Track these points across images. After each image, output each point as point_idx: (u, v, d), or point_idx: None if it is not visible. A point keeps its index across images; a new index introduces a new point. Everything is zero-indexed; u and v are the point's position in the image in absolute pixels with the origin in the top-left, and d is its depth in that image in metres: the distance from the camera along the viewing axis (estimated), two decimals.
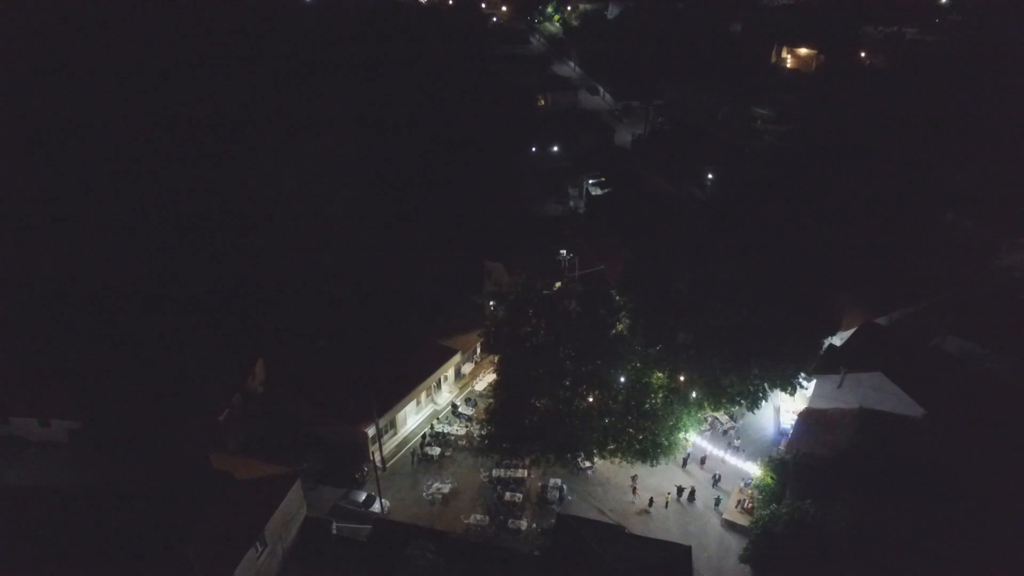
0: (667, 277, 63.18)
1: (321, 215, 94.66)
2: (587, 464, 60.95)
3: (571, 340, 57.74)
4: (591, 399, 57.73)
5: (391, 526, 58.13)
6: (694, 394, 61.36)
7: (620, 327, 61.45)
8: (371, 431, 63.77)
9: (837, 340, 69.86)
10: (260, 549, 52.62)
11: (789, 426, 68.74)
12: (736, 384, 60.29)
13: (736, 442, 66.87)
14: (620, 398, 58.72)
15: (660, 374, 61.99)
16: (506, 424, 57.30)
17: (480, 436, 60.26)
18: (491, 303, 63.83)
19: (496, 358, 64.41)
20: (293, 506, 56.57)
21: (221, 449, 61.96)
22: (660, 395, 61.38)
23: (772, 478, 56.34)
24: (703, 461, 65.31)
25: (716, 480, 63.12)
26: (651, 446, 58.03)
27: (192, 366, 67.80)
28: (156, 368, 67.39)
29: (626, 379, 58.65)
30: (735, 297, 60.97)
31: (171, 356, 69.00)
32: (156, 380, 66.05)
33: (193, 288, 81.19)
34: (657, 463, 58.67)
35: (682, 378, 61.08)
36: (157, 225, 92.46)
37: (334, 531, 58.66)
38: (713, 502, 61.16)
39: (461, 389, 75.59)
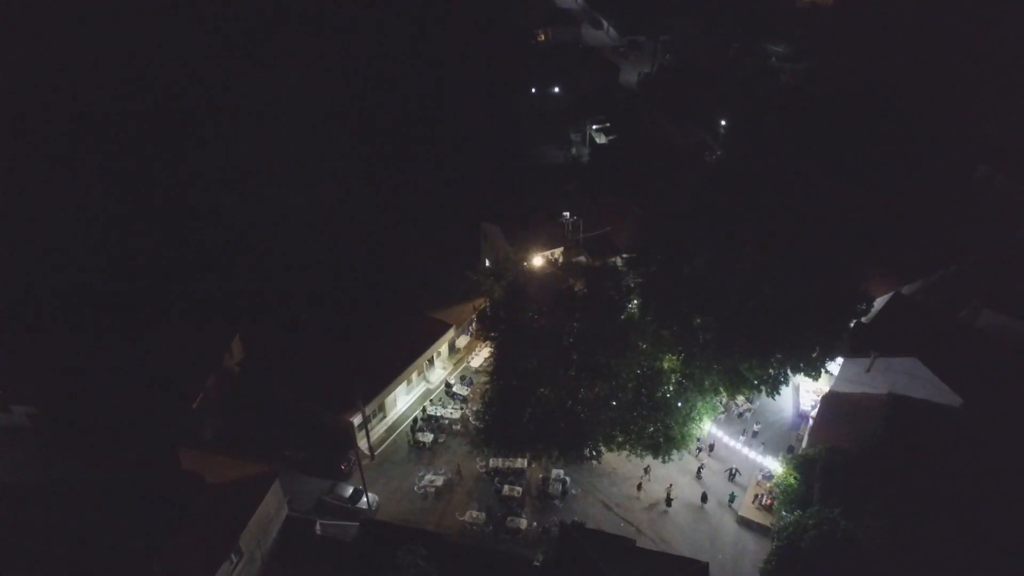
0: (681, 253, 56.88)
1: (299, 173, 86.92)
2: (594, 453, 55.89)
3: (576, 327, 51.90)
4: (598, 390, 52.17)
5: (379, 527, 53.71)
6: (708, 381, 55.87)
7: (631, 308, 55.44)
8: (357, 420, 58.67)
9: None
10: (236, 560, 48.16)
11: (809, 407, 64.02)
12: (756, 369, 54.84)
13: (756, 427, 62.07)
14: (631, 385, 53.22)
15: (672, 357, 56.40)
16: (503, 416, 51.97)
17: (476, 429, 55.15)
18: (489, 278, 57.48)
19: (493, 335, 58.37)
20: (272, 508, 51.94)
21: (195, 439, 57.16)
22: (673, 381, 56.03)
23: (795, 478, 51.46)
24: (711, 448, 60.66)
25: (732, 475, 58.46)
26: (663, 439, 52.96)
27: (162, 344, 62.23)
28: (122, 347, 61.76)
29: (636, 366, 52.99)
30: (756, 274, 54.88)
31: (139, 333, 63.30)
32: (122, 360, 60.52)
33: (161, 258, 74.56)
34: (669, 458, 53.74)
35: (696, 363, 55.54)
36: (118, 188, 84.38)
37: (318, 531, 54.21)
38: (727, 499, 56.68)
39: (455, 365, 70.25)
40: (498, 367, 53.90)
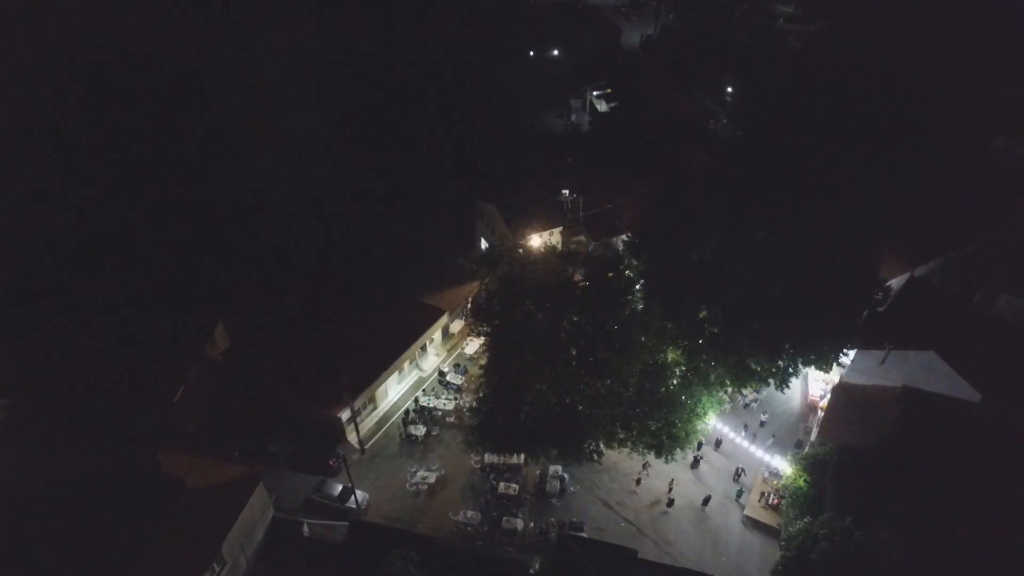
0: (688, 239, 53.53)
1: (285, 146, 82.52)
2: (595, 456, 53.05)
3: (576, 320, 48.74)
4: (598, 385, 49.22)
5: (369, 528, 51.51)
6: (714, 375, 52.95)
7: (634, 300, 52.08)
8: (346, 415, 56.12)
9: None
10: (218, 569, 45.88)
11: (819, 395, 61.50)
12: (764, 362, 51.88)
13: (763, 416, 59.58)
14: (632, 380, 50.12)
15: (676, 351, 53.37)
16: (498, 416, 49.20)
17: (469, 428, 52.30)
18: (483, 267, 53.98)
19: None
20: (256, 511, 49.50)
21: (176, 436, 54.68)
22: (677, 374, 53.12)
23: (805, 481, 48.95)
24: (718, 444, 58.24)
25: (738, 474, 56.10)
26: (666, 437, 50.26)
27: (140, 332, 58.94)
28: (96, 337, 58.47)
29: (639, 362, 49.87)
30: (768, 263, 51.60)
31: (114, 320, 59.97)
32: (96, 352, 57.33)
33: (139, 238, 70.78)
34: (672, 458, 51.13)
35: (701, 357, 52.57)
36: (92, 160, 79.87)
37: (305, 532, 51.94)
38: (735, 494, 54.46)
39: (449, 352, 67.43)
40: (492, 362, 50.88)
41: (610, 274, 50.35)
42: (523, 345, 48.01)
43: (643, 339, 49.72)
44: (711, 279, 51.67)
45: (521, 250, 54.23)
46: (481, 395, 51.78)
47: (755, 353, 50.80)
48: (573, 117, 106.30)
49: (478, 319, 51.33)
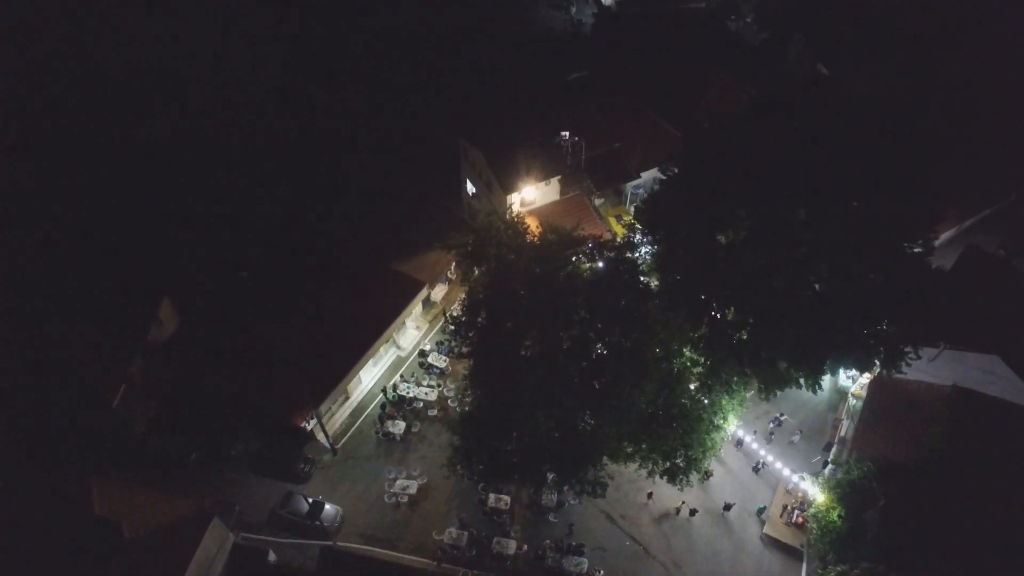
0: (715, 215, 43.94)
1: (228, 74, 70.11)
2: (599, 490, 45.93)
3: (578, 338, 40.32)
4: (605, 412, 41.61)
5: (342, 557, 45.68)
6: (738, 378, 45.22)
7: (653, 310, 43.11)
8: (311, 423, 49.02)
9: None
10: None
11: (850, 383, 54.38)
12: (799, 368, 43.95)
13: (781, 416, 52.61)
14: (644, 396, 42.31)
15: (692, 351, 45.26)
16: (484, 439, 42.00)
17: (452, 448, 44.94)
18: (468, 259, 44.68)
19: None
20: (212, 549, 43.33)
21: (118, 452, 48.07)
22: (694, 376, 45.31)
23: (840, 516, 42.33)
24: (739, 444, 51.65)
25: (757, 468, 49.96)
26: (682, 461, 43.31)
27: (64, 318, 50.07)
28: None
29: (653, 384, 41.86)
30: (811, 249, 42.47)
31: (31, 303, 51.08)
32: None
33: (60, 198, 60.35)
34: (689, 483, 44.39)
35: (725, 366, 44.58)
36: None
37: (271, 559, 46.15)
38: (756, 510, 48.41)
39: (431, 323, 59.33)
40: (479, 375, 42.87)
41: (625, 278, 41.44)
42: (514, 366, 39.94)
43: (659, 354, 41.52)
44: (742, 271, 42.75)
45: (512, 231, 44.59)
46: (467, 409, 44.39)
47: (792, 365, 42.85)
48: (574, 10, 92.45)
49: (458, 333, 42.99)
